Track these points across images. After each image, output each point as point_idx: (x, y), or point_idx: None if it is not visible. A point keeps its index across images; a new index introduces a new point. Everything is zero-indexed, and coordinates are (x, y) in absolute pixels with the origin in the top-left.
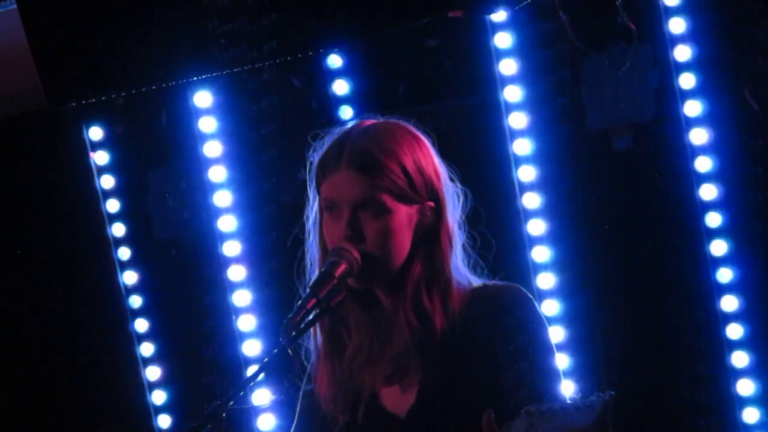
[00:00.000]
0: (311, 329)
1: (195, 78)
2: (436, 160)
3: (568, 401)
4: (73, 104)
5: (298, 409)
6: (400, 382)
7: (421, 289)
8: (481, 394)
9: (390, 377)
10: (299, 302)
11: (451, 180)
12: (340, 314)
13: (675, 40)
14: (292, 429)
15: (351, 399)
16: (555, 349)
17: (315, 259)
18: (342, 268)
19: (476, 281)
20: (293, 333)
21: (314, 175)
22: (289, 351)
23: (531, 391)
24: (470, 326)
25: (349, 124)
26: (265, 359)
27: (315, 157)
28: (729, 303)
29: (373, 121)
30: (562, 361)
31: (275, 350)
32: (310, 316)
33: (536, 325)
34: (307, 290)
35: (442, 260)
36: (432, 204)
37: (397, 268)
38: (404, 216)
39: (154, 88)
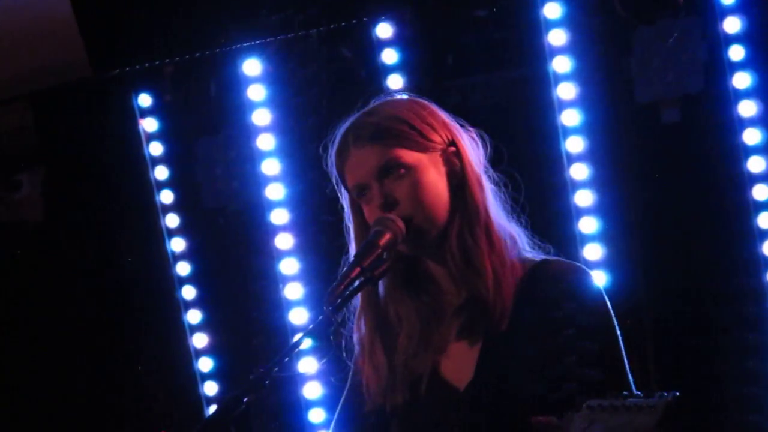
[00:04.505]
0: (356, 320)
1: (242, 44)
2: (441, 113)
3: (631, 399)
4: (117, 71)
5: (349, 383)
6: (468, 337)
7: (464, 234)
8: (539, 374)
9: (458, 333)
10: (343, 271)
11: (462, 126)
12: (385, 310)
13: (724, 12)
14: (341, 403)
15: (409, 381)
16: (621, 339)
17: None
18: (387, 237)
19: (530, 253)
20: (337, 301)
21: (338, 177)
22: (333, 319)
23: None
24: (534, 304)
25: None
26: (310, 326)
27: (331, 166)
28: None
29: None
30: None
31: (319, 317)
32: (354, 285)
33: (603, 314)
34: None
35: (475, 201)
36: (453, 149)
37: (440, 223)
38: (429, 166)
39: (197, 55)
